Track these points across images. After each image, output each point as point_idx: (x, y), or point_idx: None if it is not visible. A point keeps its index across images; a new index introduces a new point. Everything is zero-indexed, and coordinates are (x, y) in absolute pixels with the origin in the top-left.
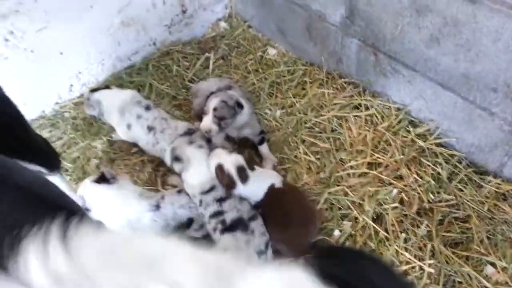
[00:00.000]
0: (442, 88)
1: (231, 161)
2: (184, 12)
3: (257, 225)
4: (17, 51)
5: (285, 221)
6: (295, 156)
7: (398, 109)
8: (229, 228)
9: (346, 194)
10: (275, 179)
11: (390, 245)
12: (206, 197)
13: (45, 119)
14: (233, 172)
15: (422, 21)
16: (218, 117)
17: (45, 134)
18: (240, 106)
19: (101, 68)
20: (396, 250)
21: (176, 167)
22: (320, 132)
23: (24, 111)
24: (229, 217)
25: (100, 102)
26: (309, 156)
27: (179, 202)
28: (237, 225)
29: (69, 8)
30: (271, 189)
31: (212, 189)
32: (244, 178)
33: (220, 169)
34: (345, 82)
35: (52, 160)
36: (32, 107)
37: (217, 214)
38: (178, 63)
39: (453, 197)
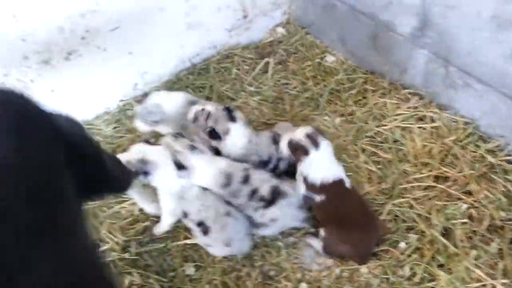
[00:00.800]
0: None
1: (300, 132)
2: (245, 17)
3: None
4: (91, 49)
5: (350, 223)
6: (355, 165)
7: (466, 123)
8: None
9: (411, 207)
10: (344, 177)
11: (459, 261)
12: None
13: (110, 115)
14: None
15: (502, 36)
16: None
17: (110, 129)
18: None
19: (164, 69)
20: (467, 267)
21: None
22: (382, 142)
23: (91, 106)
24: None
25: (160, 105)
26: (370, 166)
27: None
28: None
29: (140, 10)
30: (340, 185)
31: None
32: (315, 144)
33: (291, 144)
34: (409, 93)
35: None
36: (97, 103)
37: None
38: (238, 67)
39: None
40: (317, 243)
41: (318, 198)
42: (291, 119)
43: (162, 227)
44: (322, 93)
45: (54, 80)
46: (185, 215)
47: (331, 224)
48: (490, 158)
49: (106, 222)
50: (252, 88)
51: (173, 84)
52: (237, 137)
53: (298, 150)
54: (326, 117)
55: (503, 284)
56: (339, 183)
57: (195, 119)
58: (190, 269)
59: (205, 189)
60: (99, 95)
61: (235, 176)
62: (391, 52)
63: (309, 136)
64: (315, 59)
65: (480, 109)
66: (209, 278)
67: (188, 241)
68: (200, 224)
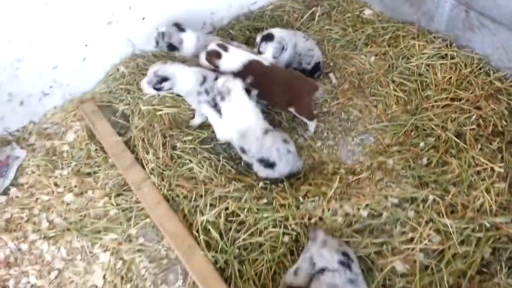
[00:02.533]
0: None
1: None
2: None
3: None
4: None
5: (286, 89)
6: (386, 92)
7: (480, 59)
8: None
9: (430, 120)
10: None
11: (467, 152)
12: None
13: None
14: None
15: None
16: None
17: None
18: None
19: (228, 13)
20: (473, 155)
21: None
22: (409, 75)
23: None
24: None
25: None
26: (398, 93)
27: None
28: None
29: None
30: (259, 64)
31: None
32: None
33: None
34: (434, 37)
35: None
36: None
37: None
38: (289, 14)
39: None
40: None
41: (249, 80)
42: (332, 58)
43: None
44: (359, 37)
45: (148, 9)
46: (243, 150)
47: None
48: (497, 84)
49: None
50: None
51: (233, 25)
52: (189, 43)
53: (213, 56)
54: (363, 56)
55: (499, 167)
56: (256, 62)
57: (157, 43)
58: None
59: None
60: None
61: None
62: (421, 3)
63: (218, 44)
64: (354, 12)
65: (492, 46)
66: None
67: None
68: (262, 160)
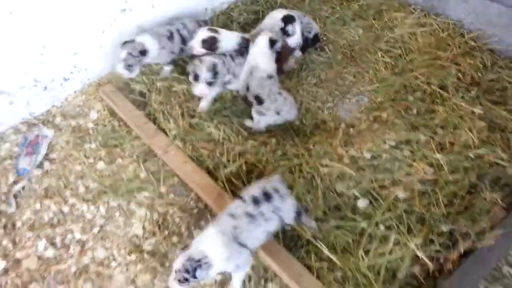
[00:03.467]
0: (490, 1)
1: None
2: None
3: None
4: None
5: None
6: (375, 59)
7: (455, 24)
8: None
9: (416, 78)
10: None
11: (450, 100)
12: None
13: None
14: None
15: None
16: None
17: None
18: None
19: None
20: (455, 102)
21: None
22: (394, 43)
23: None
24: None
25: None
26: (386, 59)
27: None
28: None
29: None
30: None
31: None
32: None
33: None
34: (414, 8)
35: None
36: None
37: None
38: None
39: (495, 76)
40: None
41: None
42: (324, 33)
43: None
44: (347, 14)
45: None
46: (248, 88)
47: None
48: (472, 43)
49: None
50: None
51: (232, 9)
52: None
53: (211, 42)
54: (352, 30)
55: (478, 109)
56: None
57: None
58: None
59: (270, 77)
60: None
61: None
62: None
63: (210, 29)
64: None
65: (465, 11)
66: None
67: None
68: (256, 97)
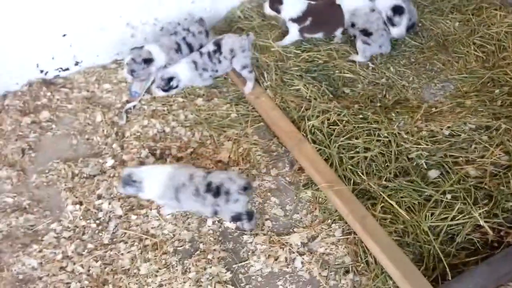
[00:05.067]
0: None
1: None
2: None
3: None
4: None
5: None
6: (467, 51)
7: None
8: None
9: (506, 74)
10: None
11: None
12: None
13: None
14: None
15: None
16: None
17: None
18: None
19: None
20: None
21: None
22: (489, 39)
23: None
24: None
25: None
26: (478, 53)
27: None
28: None
29: None
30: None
31: None
32: None
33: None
34: None
35: None
36: None
37: None
38: None
39: None
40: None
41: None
42: (420, 20)
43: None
44: (446, 5)
45: None
46: (353, 25)
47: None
48: None
49: None
50: None
51: None
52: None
53: (275, 3)
54: (448, 21)
55: None
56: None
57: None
58: None
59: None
60: None
61: None
62: None
63: None
64: None
65: None
66: None
67: None
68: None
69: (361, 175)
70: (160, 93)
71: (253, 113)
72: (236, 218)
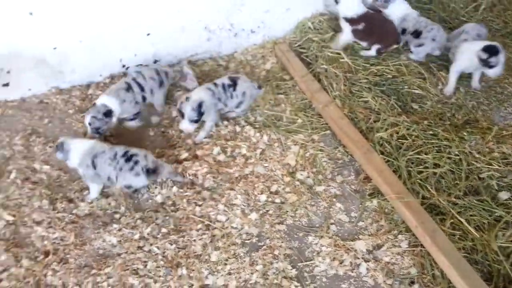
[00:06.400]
0: None
1: None
2: None
3: None
4: None
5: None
6: None
7: None
8: None
9: None
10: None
11: None
12: None
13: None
14: None
15: None
16: None
17: None
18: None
19: None
20: None
21: None
22: None
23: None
24: None
25: None
26: None
27: None
28: None
29: None
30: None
31: None
32: None
33: None
34: None
35: None
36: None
37: None
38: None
39: None
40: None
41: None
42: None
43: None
44: None
45: None
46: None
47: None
48: None
49: None
50: None
51: None
52: None
53: None
54: None
55: None
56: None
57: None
58: None
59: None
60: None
61: None
62: None
63: None
64: None
65: None
66: None
67: None
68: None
69: (430, 190)
70: (188, 127)
71: (319, 121)
72: (127, 187)
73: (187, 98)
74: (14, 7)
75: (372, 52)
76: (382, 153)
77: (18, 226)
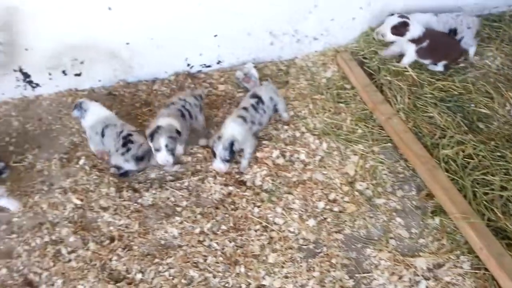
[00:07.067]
0: None
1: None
2: None
3: None
4: None
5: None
6: None
7: None
8: None
9: None
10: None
11: None
12: None
13: None
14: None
15: None
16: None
17: None
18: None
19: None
20: None
21: None
22: None
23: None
24: None
25: None
26: None
27: None
28: None
29: None
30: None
31: None
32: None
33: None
34: None
35: None
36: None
37: None
38: None
39: None
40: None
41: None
42: None
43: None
44: None
45: None
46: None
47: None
48: None
49: None
50: None
51: None
52: None
53: (400, 28)
54: None
55: None
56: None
57: None
58: None
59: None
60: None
61: None
62: None
63: (401, 15)
64: None
65: None
66: None
67: None
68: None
69: (497, 213)
70: (221, 167)
71: (380, 132)
72: (117, 167)
73: (219, 137)
74: (95, 1)
75: (439, 67)
76: (447, 170)
77: (85, 210)
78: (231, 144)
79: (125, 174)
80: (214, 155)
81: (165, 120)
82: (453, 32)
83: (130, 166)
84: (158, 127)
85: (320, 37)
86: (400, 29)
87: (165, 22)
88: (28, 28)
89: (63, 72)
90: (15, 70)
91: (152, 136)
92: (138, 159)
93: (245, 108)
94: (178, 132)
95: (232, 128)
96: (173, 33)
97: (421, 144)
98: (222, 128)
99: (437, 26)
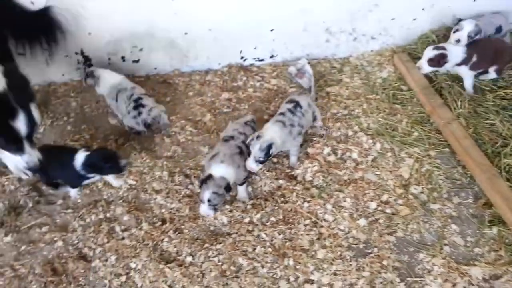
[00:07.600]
0: None
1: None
2: None
3: None
4: None
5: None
6: None
7: None
8: None
9: None
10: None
11: None
12: None
13: None
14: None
15: None
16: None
17: None
18: None
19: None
20: None
21: None
22: None
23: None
24: None
25: None
26: None
27: None
28: None
29: None
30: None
31: None
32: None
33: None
34: None
35: None
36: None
37: None
38: None
39: None
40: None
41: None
42: None
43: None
44: None
45: None
46: None
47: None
48: None
49: None
50: None
51: None
52: None
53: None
54: None
55: None
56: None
57: None
58: None
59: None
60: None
61: None
62: None
63: (436, 47)
64: None
65: None
66: None
67: None
68: None
69: None
70: (253, 167)
71: (437, 137)
72: (130, 128)
73: (258, 137)
74: None
75: (492, 75)
76: (508, 180)
77: (139, 191)
78: (269, 146)
79: (139, 133)
80: (249, 153)
81: (220, 168)
82: (498, 30)
83: (142, 128)
84: (209, 177)
85: (378, 37)
86: (437, 60)
87: (225, 14)
88: (93, 13)
89: (122, 58)
90: (76, 53)
91: (201, 184)
92: (147, 125)
93: (282, 114)
94: (228, 188)
95: (274, 131)
96: (231, 25)
97: (481, 152)
98: (263, 129)
99: (487, 29)
